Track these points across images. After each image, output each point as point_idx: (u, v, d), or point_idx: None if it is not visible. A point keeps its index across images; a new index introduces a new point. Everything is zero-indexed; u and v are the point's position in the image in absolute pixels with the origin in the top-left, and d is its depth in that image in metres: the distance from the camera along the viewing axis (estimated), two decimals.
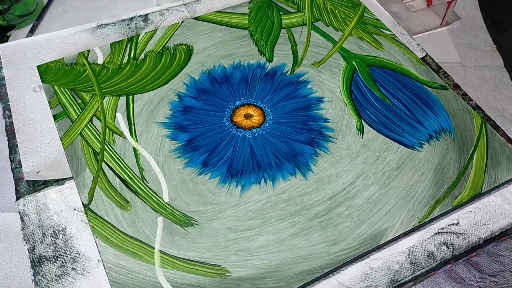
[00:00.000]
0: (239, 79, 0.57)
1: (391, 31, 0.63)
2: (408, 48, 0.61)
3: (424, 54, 0.61)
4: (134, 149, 0.51)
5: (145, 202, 0.47)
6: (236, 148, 0.51)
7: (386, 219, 0.46)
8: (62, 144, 0.51)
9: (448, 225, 0.47)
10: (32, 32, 0.82)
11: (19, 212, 0.48)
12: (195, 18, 0.64)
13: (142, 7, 0.77)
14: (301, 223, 0.46)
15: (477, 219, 0.47)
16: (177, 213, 0.46)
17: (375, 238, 0.45)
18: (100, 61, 0.59)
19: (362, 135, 0.52)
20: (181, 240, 0.45)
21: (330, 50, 0.60)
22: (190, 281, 0.42)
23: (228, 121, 0.53)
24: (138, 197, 0.47)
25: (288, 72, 0.58)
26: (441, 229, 0.46)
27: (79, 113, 0.53)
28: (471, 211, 0.48)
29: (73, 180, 0.50)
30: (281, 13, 0.65)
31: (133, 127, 0.52)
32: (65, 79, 0.57)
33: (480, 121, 0.53)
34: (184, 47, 0.60)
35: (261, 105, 0.55)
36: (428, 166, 0.50)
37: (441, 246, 0.45)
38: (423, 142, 0.51)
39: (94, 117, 0.53)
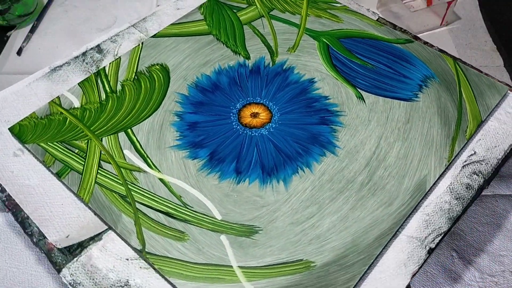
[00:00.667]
0: (227, 83, 0.57)
1: (341, 3, 0.66)
2: (362, 14, 0.65)
3: (376, 18, 0.65)
4: (161, 179, 0.49)
5: (200, 227, 0.45)
6: (259, 147, 0.51)
7: (421, 168, 0.49)
8: (82, 198, 0.47)
9: (469, 156, 0.52)
10: (32, 32, 0.79)
11: (70, 284, 0.43)
12: (154, 36, 0.62)
13: (142, 7, 0.73)
14: (353, 196, 0.48)
15: (488, 144, 0.53)
16: (236, 226, 0.46)
17: (421, 187, 0.48)
18: (76, 104, 0.55)
19: (364, 102, 0.55)
20: (253, 249, 0.44)
21: (297, 34, 0.62)
22: (282, 284, 0.42)
23: (238, 125, 0.53)
24: (190, 224, 0.46)
25: (271, 64, 0.59)
26: (465, 162, 0.51)
27: (83, 163, 0.50)
28: (480, 139, 0.53)
29: (110, 231, 0.46)
30: (234, 10, 0.65)
31: (148, 159, 0.50)
32: (48, 133, 0.52)
33: (452, 61, 0.59)
34: (158, 67, 0.58)
35: (261, 101, 0.55)
36: (431, 112, 0.54)
37: (472, 176, 0.50)
38: (417, 92, 0.56)
39: (101, 161, 0.50)
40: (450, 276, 0.54)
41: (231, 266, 0.43)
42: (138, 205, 0.47)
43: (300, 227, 0.46)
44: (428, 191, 0.48)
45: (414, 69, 0.58)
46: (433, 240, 0.46)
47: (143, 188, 0.48)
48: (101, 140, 0.51)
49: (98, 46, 0.62)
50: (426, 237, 0.46)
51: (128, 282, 0.43)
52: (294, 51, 0.60)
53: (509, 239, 0.56)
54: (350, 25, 0.63)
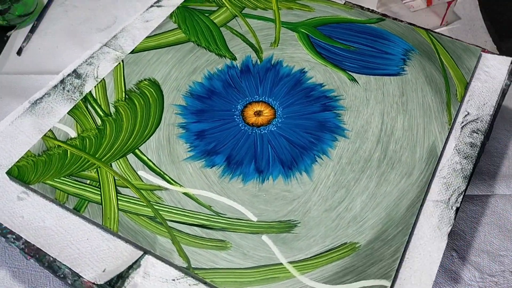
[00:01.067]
0: (222, 86, 0.56)
1: None
2: (330, 0, 0.67)
3: (343, 2, 0.68)
4: (185, 193, 0.48)
5: (239, 232, 0.45)
6: (272, 144, 0.51)
7: (427, 136, 0.52)
8: (109, 229, 0.45)
9: (464, 117, 0.55)
10: (32, 32, 0.79)
11: None
12: (132, 52, 0.60)
13: (141, 7, 0.69)
14: (374, 173, 0.49)
15: (477, 103, 0.56)
16: (274, 223, 0.46)
17: (432, 153, 0.51)
18: (73, 134, 0.52)
19: (358, 83, 0.57)
20: (297, 243, 0.45)
21: (275, 28, 0.63)
22: (334, 270, 0.43)
23: (245, 126, 0.53)
24: (228, 231, 0.45)
25: (258, 61, 0.59)
26: (462, 123, 0.55)
27: (99, 192, 0.48)
28: (469, 100, 0.57)
29: (147, 256, 0.45)
30: (206, 14, 0.65)
31: (165, 175, 0.49)
32: (51, 169, 0.49)
33: (425, 33, 0.62)
34: (146, 82, 0.57)
35: (261, 99, 0.55)
36: (420, 82, 0.57)
37: (472, 135, 0.54)
38: (402, 66, 0.59)
39: (118, 187, 0.48)
40: (450, 276, 0.55)
41: (281, 264, 0.43)
42: (170, 224, 0.46)
43: (334, 212, 0.47)
44: (440, 156, 0.51)
45: (394, 45, 0.61)
46: (456, 200, 0.48)
47: (170, 206, 0.47)
48: (111, 166, 0.49)
49: (74, 71, 0.59)
50: (449, 198, 0.48)
51: None
52: (277, 45, 0.61)
53: (509, 239, 0.57)
54: (322, 12, 0.65)
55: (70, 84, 0.58)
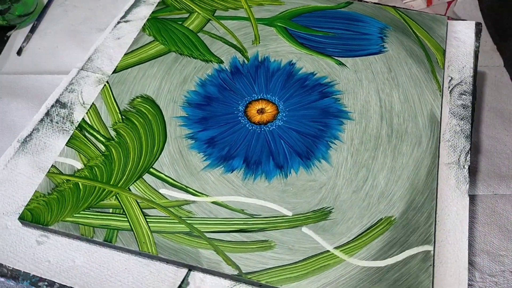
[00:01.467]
0: (217, 91, 0.56)
1: None
2: None
3: None
4: (214, 202, 0.47)
5: (278, 229, 0.45)
6: (283, 138, 0.52)
7: (424, 104, 0.55)
8: (147, 253, 0.44)
9: (449, 82, 0.58)
10: (32, 32, 0.79)
11: None
12: (115, 72, 0.58)
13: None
14: (387, 148, 0.51)
15: (457, 68, 0.60)
16: (309, 214, 0.47)
17: (433, 120, 0.54)
18: (78, 165, 0.50)
19: (346, 66, 0.59)
20: (337, 228, 0.46)
21: (252, 26, 0.63)
22: (379, 246, 0.44)
23: (252, 126, 0.53)
24: (268, 230, 0.45)
25: (245, 60, 0.59)
26: (449, 88, 0.58)
27: (126, 219, 0.46)
28: (449, 66, 0.60)
29: (193, 272, 0.44)
30: (179, 22, 0.64)
31: (189, 189, 0.48)
32: (67, 205, 0.47)
33: (393, 10, 0.65)
34: (139, 99, 0.55)
35: (259, 97, 0.56)
36: (402, 56, 0.60)
37: (461, 97, 0.57)
38: (382, 44, 0.61)
39: (144, 210, 0.47)
40: None
41: (328, 251, 0.44)
42: (208, 235, 0.45)
43: (362, 192, 0.48)
44: (440, 123, 0.54)
45: (368, 25, 0.63)
46: (465, 159, 0.51)
47: (203, 218, 0.46)
48: (130, 190, 0.48)
49: (57, 101, 0.56)
50: (458, 159, 0.51)
51: None
52: (259, 42, 0.61)
53: (509, 239, 0.57)
54: (292, 4, 0.66)
55: (56, 115, 0.55)
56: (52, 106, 0.56)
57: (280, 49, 0.60)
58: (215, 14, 0.65)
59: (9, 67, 0.73)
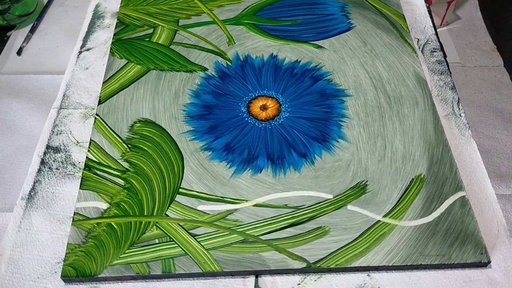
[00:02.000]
0: (213, 97, 0.56)
1: None
2: None
3: None
4: (256, 204, 0.47)
5: (327, 213, 0.47)
6: (297, 128, 0.53)
7: (406, 68, 0.58)
8: (211, 272, 0.43)
9: (417, 43, 0.63)
10: (32, 32, 0.79)
11: None
12: (100, 102, 0.55)
13: None
14: (392, 115, 0.54)
15: (419, 28, 0.65)
16: (348, 192, 0.48)
17: (420, 80, 0.57)
18: (103, 206, 0.47)
19: (324, 48, 0.61)
20: (377, 197, 0.48)
21: (221, 28, 0.63)
22: (420, 203, 0.47)
23: (262, 123, 0.53)
24: (317, 217, 0.46)
25: (228, 63, 0.59)
26: (420, 48, 0.62)
27: (176, 244, 0.44)
28: (412, 28, 0.65)
29: (260, 277, 0.44)
30: (147, 39, 0.62)
31: (226, 199, 0.47)
32: (109, 249, 0.44)
33: None
34: (139, 124, 0.53)
35: (257, 94, 0.56)
36: (369, 28, 0.63)
37: (433, 53, 0.62)
38: (348, 21, 0.64)
39: (190, 231, 0.45)
40: None
41: (379, 221, 0.46)
42: (263, 237, 0.45)
43: (386, 159, 0.50)
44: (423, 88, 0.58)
45: (329, 6, 0.66)
46: (459, 108, 0.56)
47: (251, 222, 0.46)
48: (168, 216, 0.46)
49: (48, 147, 0.52)
50: (453, 109, 0.56)
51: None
52: (235, 43, 0.61)
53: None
54: (250, 1, 0.67)
55: (53, 161, 0.51)
56: (45, 153, 0.52)
57: (257, 45, 0.61)
58: (179, 24, 0.63)
59: (9, 67, 0.74)
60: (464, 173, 0.50)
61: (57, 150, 0.52)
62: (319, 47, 0.61)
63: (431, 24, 0.65)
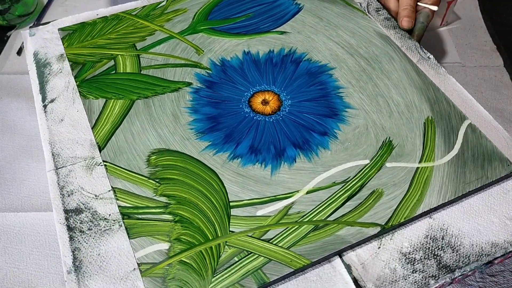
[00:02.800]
0: (213, 108, 0.55)
1: (161, 0, 0.67)
2: None
3: None
4: (308, 191, 0.48)
5: (373, 177, 0.49)
6: (305, 111, 0.54)
7: (367, 30, 0.63)
8: (304, 265, 0.44)
9: (361, 6, 0.67)
10: None
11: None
12: (103, 148, 0.52)
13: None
14: (378, 72, 0.58)
15: None
16: (380, 153, 0.51)
17: (384, 37, 0.62)
18: (165, 246, 0.45)
19: (288, 33, 0.63)
20: (405, 149, 0.51)
21: (182, 41, 0.62)
22: (441, 141, 0.52)
23: (271, 117, 0.54)
24: (368, 181, 0.49)
25: (209, 71, 0.58)
26: (366, 10, 0.67)
27: (256, 254, 0.44)
28: None
29: (344, 254, 0.45)
30: (112, 73, 0.58)
31: (277, 196, 0.48)
32: (195, 285, 0.42)
33: None
34: (154, 156, 0.51)
35: (254, 91, 0.56)
36: (316, 3, 0.66)
37: (378, 12, 0.67)
38: (295, 1, 0.66)
39: (260, 239, 0.45)
40: None
41: (418, 167, 0.50)
42: (330, 218, 0.46)
43: (395, 113, 0.54)
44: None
45: None
46: (424, 52, 0.61)
47: (312, 209, 0.47)
48: (233, 232, 0.45)
49: (67, 211, 0.48)
50: (420, 54, 0.61)
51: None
52: (203, 51, 0.61)
53: None
54: (195, 6, 0.66)
55: (81, 223, 0.47)
56: (66, 218, 0.47)
57: (226, 46, 0.61)
58: (137, 48, 0.61)
59: (9, 67, 0.73)
60: (457, 104, 0.56)
61: (78, 211, 0.48)
62: (283, 33, 0.62)
63: None
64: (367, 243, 0.46)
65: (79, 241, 0.46)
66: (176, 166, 0.49)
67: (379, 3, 0.67)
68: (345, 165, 0.50)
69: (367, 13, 0.66)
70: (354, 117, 0.54)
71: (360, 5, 0.67)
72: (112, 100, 0.55)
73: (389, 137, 0.52)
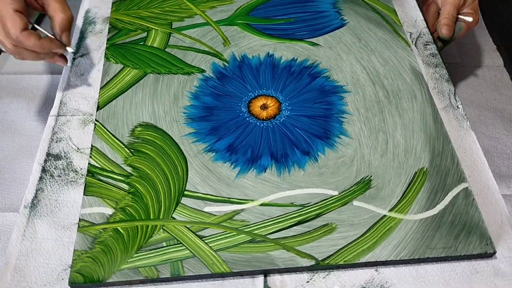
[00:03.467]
0: (213, 99, 0.55)
1: None
2: None
3: None
4: (262, 204, 0.47)
5: (333, 210, 0.47)
6: (298, 126, 0.53)
7: (402, 62, 0.59)
8: (220, 273, 0.43)
9: (411, 37, 0.63)
10: None
11: None
12: (99, 108, 0.55)
13: None
14: (391, 109, 0.55)
15: (410, 22, 0.65)
16: (353, 188, 0.48)
17: (415, 73, 0.58)
18: (109, 211, 0.47)
19: (320, 45, 0.61)
20: (382, 192, 0.48)
21: (215, 30, 0.63)
22: (424, 196, 0.48)
23: (263, 123, 0.53)
24: (324, 214, 0.46)
25: (225, 63, 0.59)
26: (413, 41, 0.63)
27: (184, 246, 0.44)
28: (404, 22, 0.65)
29: (269, 276, 0.44)
30: (141, 43, 0.61)
31: (231, 199, 0.47)
32: (117, 254, 0.44)
33: None
34: (140, 128, 0.53)
35: (256, 94, 0.56)
36: (363, 24, 0.63)
37: (427, 47, 0.62)
38: (340, 17, 0.64)
39: (197, 233, 0.45)
40: None
41: (385, 215, 0.46)
42: (271, 236, 0.45)
43: (389, 153, 0.51)
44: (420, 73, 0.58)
45: (320, 3, 0.66)
46: (455, 100, 0.56)
47: (258, 222, 0.46)
48: (175, 219, 0.46)
49: (48, 154, 0.52)
50: (450, 101, 0.56)
51: None
52: (230, 43, 0.61)
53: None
54: (242, 0, 0.66)
55: (55, 169, 0.51)
56: (45, 161, 0.51)
57: (252, 45, 0.61)
58: (172, 27, 0.63)
59: (9, 67, 0.73)
60: (465, 164, 0.51)
61: (57, 157, 0.52)
62: (314, 44, 0.61)
63: (422, 18, 0.65)
64: (298, 272, 0.44)
65: (45, 183, 0.49)
66: (154, 142, 0.51)
67: (430, 37, 0.62)
68: (312, 190, 0.48)
69: (412, 44, 0.62)
70: (345, 145, 0.51)
71: (410, 35, 0.63)
72: (129, 68, 0.58)
73: (371, 176, 0.49)
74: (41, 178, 0.50)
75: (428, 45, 0.62)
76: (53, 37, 0.52)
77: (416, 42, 0.62)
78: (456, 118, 0.55)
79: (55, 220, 0.47)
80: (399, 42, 0.61)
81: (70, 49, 0.54)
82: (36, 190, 0.49)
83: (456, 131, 0.53)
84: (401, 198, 0.47)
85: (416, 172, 0.49)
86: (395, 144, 0.51)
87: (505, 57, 0.73)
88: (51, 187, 0.49)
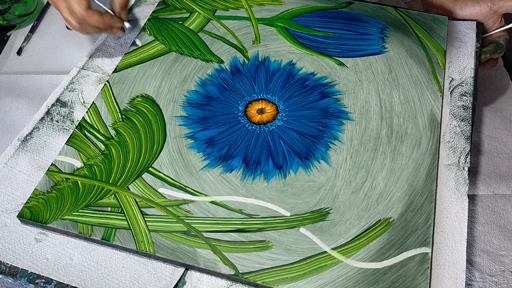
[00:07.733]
0: (217, 90, 0.56)
1: None
2: None
3: None
4: (213, 202, 0.47)
5: (277, 229, 0.45)
6: (283, 138, 0.52)
7: (424, 105, 0.55)
8: (145, 252, 0.44)
9: (450, 83, 0.58)
10: (32, 32, 0.78)
11: None
12: (115, 71, 0.58)
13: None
14: (387, 149, 0.51)
15: (457, 68, 0.60)
16: (307, 215, 0.46)
17: (433, 121, 0.53)
18: (78, 164, 0.50)
19: (346, 66, 0.58)
20: (334, 229, 0.46)
21: (253, 26, 0.63)
22: (377, 247, 0.44)
23: (252, 126, 0.53)
24: (266, 230, 0.45)
25: (245, 60, 0.59)
26: (450, 88, 0.58)
27: (124, 217, 0.46)
28: (450, 66, 0.60)
29: (189, 271, 0.44)
30: (180, 22, 0.64)
31: (187, 188, 0.48)
32: (66, 204, 0.47)
33: (393, 10, 0.65)
34: (139, 99, 0.55)
35: (259, 97, 0.56)
36: (402, 56, 0.60)
37: (462, 98, 0.57)
38: (383, 44, 0.61)
39: (142, 209, 0.47)
40: None
41: (326, 252, 0.44)
42: (206, 234, 0.45)
43: (361, 193, 0.48)
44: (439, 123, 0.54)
45: (368, 25, 0.63)
46: (465, 161, 0.51)
47: (200, 217, 0.46)
48: (129, 189, 0.48)
49: (58, 100, 0.56)
50: (458, 160, 0.51)
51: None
52: (259, 42, 0.61)
53: (509, 239, 0.56)
54: (293, 4, 0.66)
55: (57, 114, 0.55)
56: (53, 105, 0.56)
57: (280, 49, 0.60)
58: (215, 14, 0.65)
59: (9, 67, 0.73)
60: (442, 229, 0.47)
61: (64, 104, 0.56)
62: (341, 64, 0.59)
63: (473, 67, 0.60)
64: (219, 277, 0.44)
65: (43, 125, 0.54)
66: (145, 115, 0.54)
67: (472, 89, 0.57)
68: (265, 203, 0.47)
69: (447, 91, 0.57)
70: (321, 171, 0.49)
71: (451, 81, 0.58)
72: (157, 42, 0.61)
73: (331, 209, 0.47)
74: (42, 119, 0.55)
75: (465, 96, 0.57)
76: (112, 13, 0.57)
77: (453, 90, 0.57)
78: (456, 180, 0.50)
79: (36, 158, 0.52)
80: (431, 85, 0.56)
81: (127, 25, 0.58)
82: (33, 128, 0.54)
83: (449, 193, 0.49)
84: (351, 240, 0.45)
85: (380, 220, 0.46)
86: (373, 185, 0.48)
87: (505, 57, 0.72)
88: (46, 128, 0.54)
